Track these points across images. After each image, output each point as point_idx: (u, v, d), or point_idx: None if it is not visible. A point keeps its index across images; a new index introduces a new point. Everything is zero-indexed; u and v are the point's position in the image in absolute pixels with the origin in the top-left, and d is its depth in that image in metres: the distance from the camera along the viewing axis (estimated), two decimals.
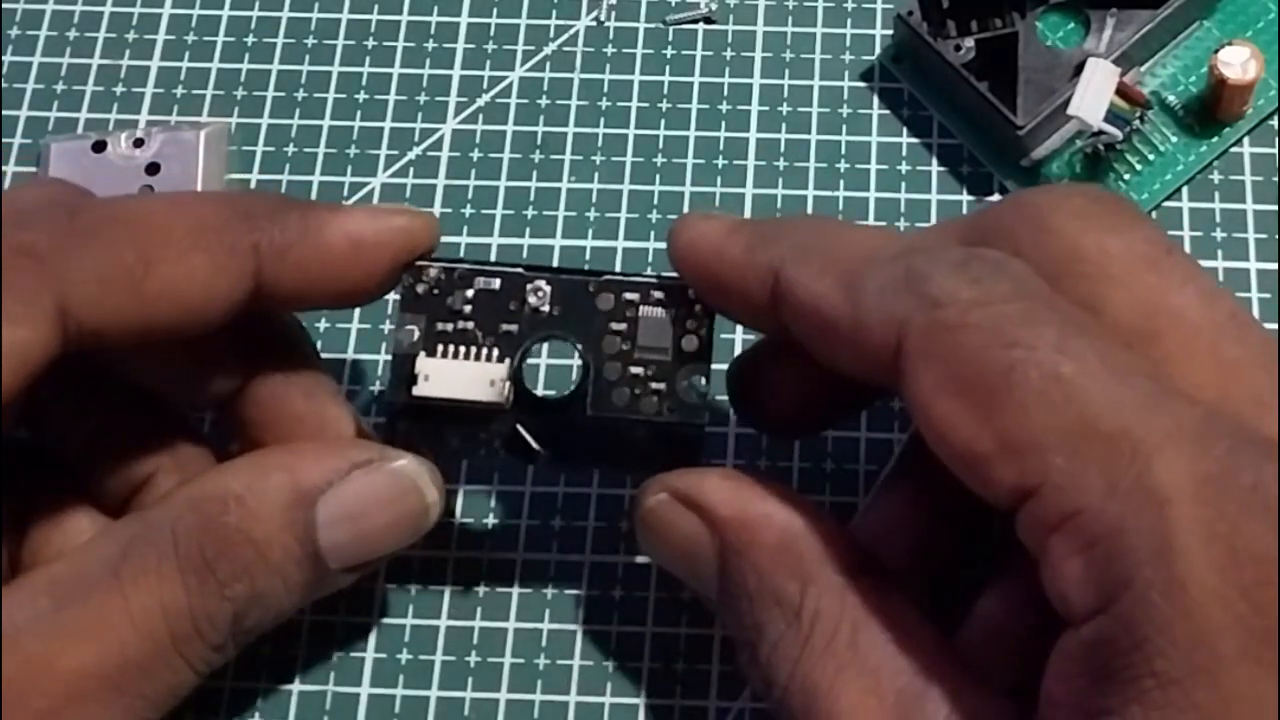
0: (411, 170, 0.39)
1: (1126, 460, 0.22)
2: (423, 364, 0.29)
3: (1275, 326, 0.36)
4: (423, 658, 0.34)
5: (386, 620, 0.34)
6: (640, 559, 0.34)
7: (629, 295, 0.30)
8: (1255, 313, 0.37)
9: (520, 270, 0.30)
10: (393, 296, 0.31)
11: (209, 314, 0.28)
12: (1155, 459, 0.22)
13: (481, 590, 0.34)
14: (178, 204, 0.29)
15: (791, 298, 0.27)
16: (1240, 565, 0.21)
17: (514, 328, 0.30)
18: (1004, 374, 0.23)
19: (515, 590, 0.34)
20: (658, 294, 0.30)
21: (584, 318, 0.30)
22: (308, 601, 0.30)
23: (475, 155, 0.40)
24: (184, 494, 0.28)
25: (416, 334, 0.30)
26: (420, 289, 0.30)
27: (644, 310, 0.30)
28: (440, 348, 0.30)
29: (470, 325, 0.30)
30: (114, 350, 0.28)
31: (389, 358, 0.30)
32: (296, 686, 0.34)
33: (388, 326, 0.30)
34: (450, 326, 0.30)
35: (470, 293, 0.30)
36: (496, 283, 0.30)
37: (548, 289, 0.30)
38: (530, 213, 0.39)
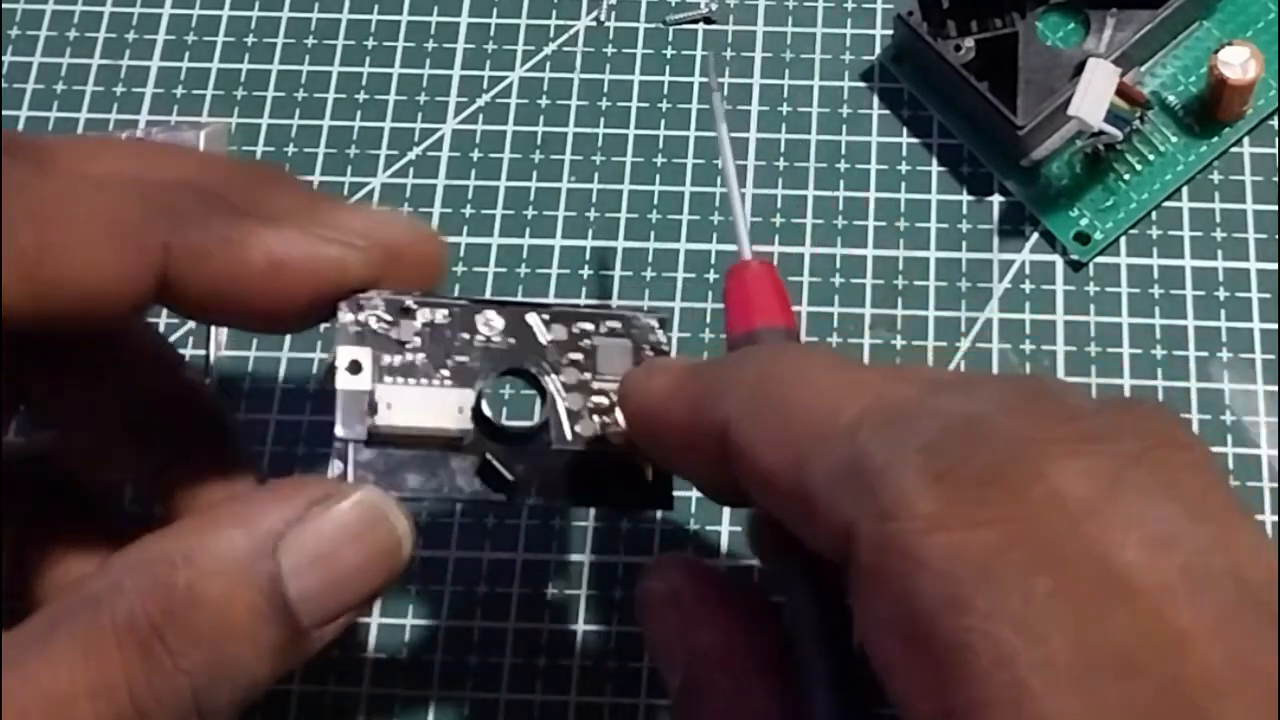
0: (411, 170, 0.39)
1: None
2: (384, 392, 0.27)
3: (1275, 327, 0.36)
4: (423, 657, 0.34)
5: (386, 620, 0.34)
6: (639, 558, 0.35)
7: (583, 325, 0.29)
8: (1255, 313, 0.37)
9: (466, 302, 0.28)
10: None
11: (106, 311, 0.26)
12: None
13: (481, 590, 0.34)
14: (94, 189, 0.26)
15: (741, 466, 0.24)
16: None
17: (466, 359, 0.28)
18: (955, 649, 0.20)
19: (515, 590, 0.34)
20: (612, 324, 0.29)
21: (538, 349, 0.29)
22: (283, 672, 0.25)
23: (475, 155, 0.40)
24: (120, 559, 0.25)
25: (365, 368, 0.27)
26: (364, 318, 0.27)
27: (599, 340, 0.29)
28: (390, 381, 0.27)
29: (421, 358, 0.28)
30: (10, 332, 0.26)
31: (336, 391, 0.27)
32: (296, 687, 0.34)
33: None
34: (398, 360, 0.28)
35: (417, 324, 0.28)
36: (444, 314, 0.28)
37: (500, 321, 0.29)
38: (530, 213, 0.39)
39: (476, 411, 0.28)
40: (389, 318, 0.28)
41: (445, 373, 0.28)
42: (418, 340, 0.28)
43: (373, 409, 0.27)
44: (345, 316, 0.27)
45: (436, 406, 0.28)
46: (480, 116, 0.40)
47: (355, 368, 0.27)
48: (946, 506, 0.20)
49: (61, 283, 0.25)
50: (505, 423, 0.28)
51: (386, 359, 0.27)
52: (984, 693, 0.19)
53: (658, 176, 0.39)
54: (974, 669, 0.20)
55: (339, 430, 0.27)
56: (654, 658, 0.26)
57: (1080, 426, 0.22)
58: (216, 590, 0.24)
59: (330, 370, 0.28)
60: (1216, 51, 0.37)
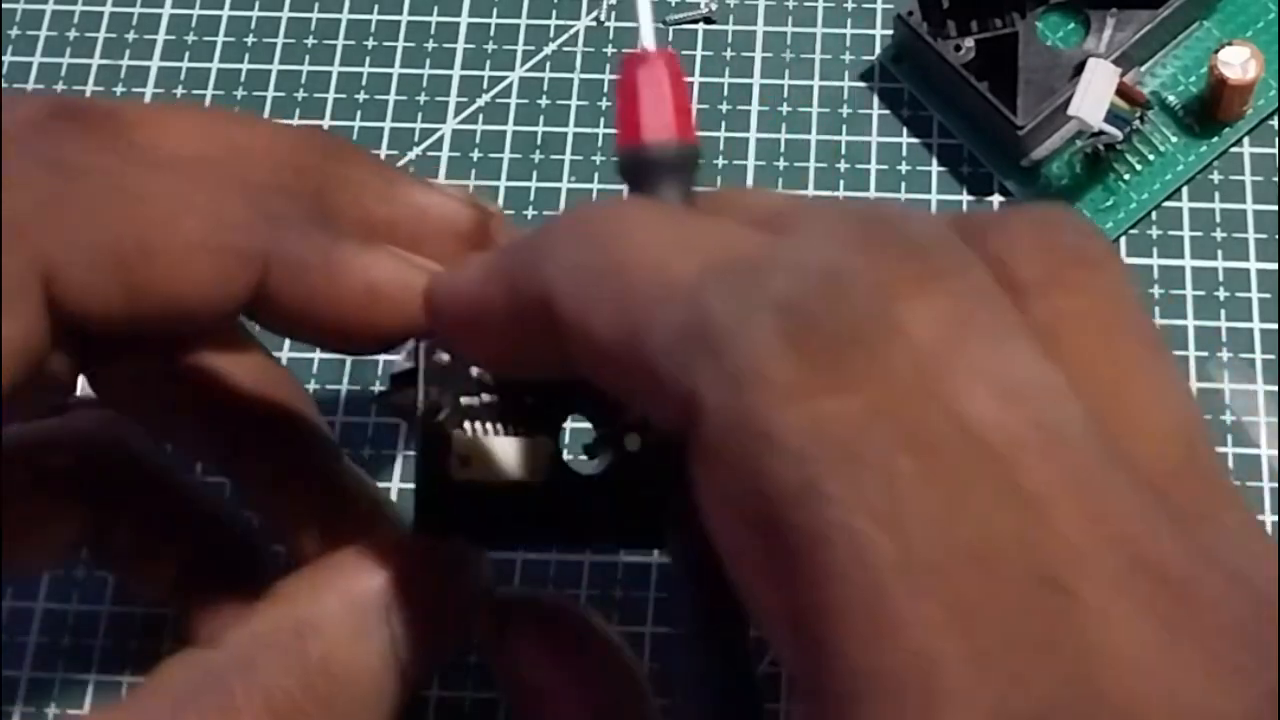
0: (411, 170, 0.39)
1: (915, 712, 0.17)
2: (462, 443, 0.26)
3: (1275, 326, 0.36)
4: None
5: None
6: (639, 558, 0.34)
7: None
8: (1255, 313, 0.37)
9: None
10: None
11: (200, 320, 0.25)
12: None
13: None
14: (194, 185, 0.25)
15: (571, 342, 0.21)
16: None
17: (535, 399, 0.27)
18: (810, 542, 0.17)
19: None
20: None
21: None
22: None
23: (475, 155, 0.40)
24: (246, 631, 0.24)
25: (444, 410, 0.26)
26: (442, 355, 0.26)
27: None
28: (468, 424, 0.26)
29: (495, 398, 0.26)
30: (95, 335, 0.25)
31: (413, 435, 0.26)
32: None
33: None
34: (475, 401, 0.26)
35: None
36: None
37: None
38: (530, 213, 0.39)
39: (556, 459, 0.27)
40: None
41: (521, 414, 0.26)
42: (492, 379, 0.26)
43: (462, 460, 0.26)
44: (423, 353, 0.26)
45: (517, 455, 0.26)
46: (480, 116, 0.40)
47: (434, 410, 0.26)
48: (804, 374, 0.18)
49: (158, 292, 0.24)
50: (580, 470, 0.27)
51: (465, 400, 0.26)
52: (838, 595, 0.17)
53: None
54: (829, 567, 0.17)
55: (419, 482, 0.26)
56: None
57: (928, 262, 0.19)
58: (345, 660, 0.24)
59: (390, 393, 0.27)
60: (1216, 51, 0.37)
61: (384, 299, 0.25)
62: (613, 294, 0.20)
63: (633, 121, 0.24)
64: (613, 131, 0.40)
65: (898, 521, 0.17)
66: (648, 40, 0.24)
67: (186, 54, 0.41)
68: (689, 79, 0.40)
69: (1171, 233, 0.38)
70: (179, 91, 0.41)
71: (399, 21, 0.42)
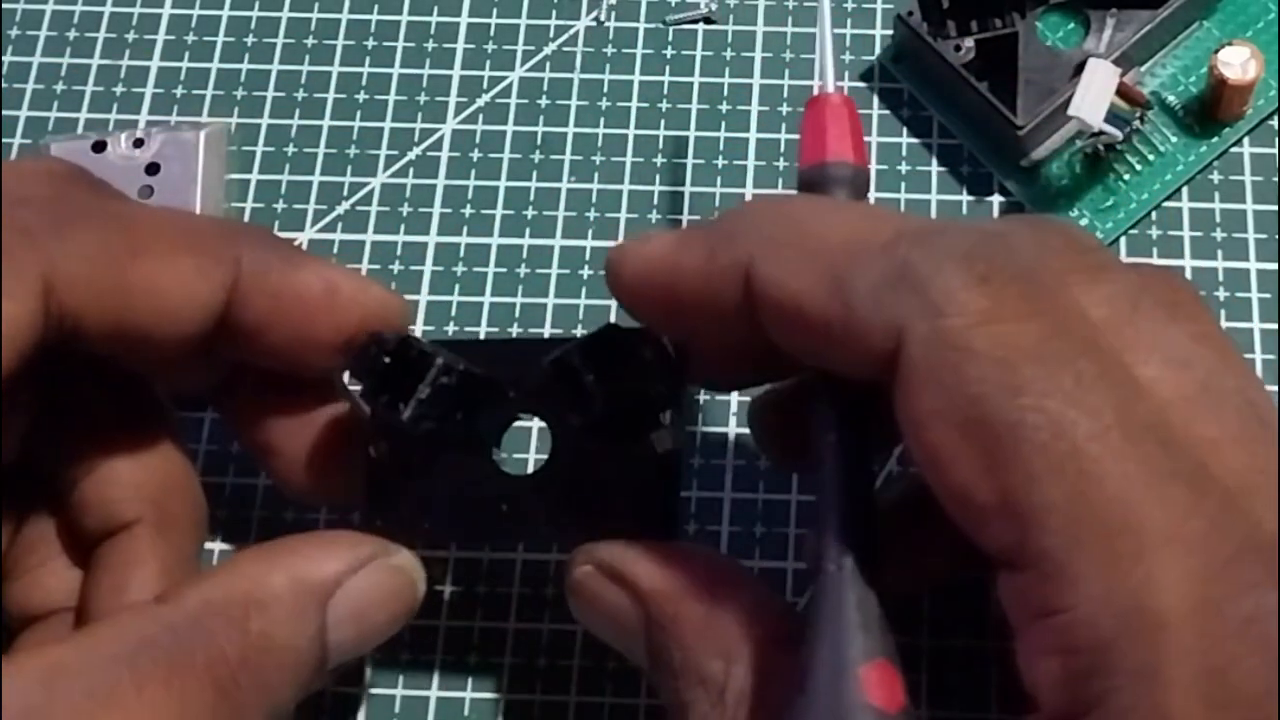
0: (411, 170, 0.39)
1: (1127, 565, 0.21)
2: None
3: (1275, 327, 0.36)
4: (422, 657, 0.34)
5: None
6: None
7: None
8: (1255, 313, 0.37)
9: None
10: None
11: (183, 321, 0.28)
12: (1155, 571, 0.21)
13: (481, 590, 0.34)
14: (169, 209, 0.29)
15: (768, 299, 0.25)
16: (1229, 706, 0.20)
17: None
18: (1011, 427, 0.22)
19: (515, 590, 0.34)
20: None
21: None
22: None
23: (475, 155, 0.40)
24: (199, 595, 0.26)
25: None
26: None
27: None
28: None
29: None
30: (89, 346, 0.27)
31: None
32: None
33: None
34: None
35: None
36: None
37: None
38: (530, 213, 0.39)
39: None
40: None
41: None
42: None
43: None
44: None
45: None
46: (480, 116, 0.40)
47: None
48: (993, 303, 0.23)
49: (147, 287, 0.27)
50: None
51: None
52: (1043, 463, 0.21)
53: (657, 177, 0.39)
54: (1033, 443, 0.21)
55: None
56: (683, 657, 0.26)
57: (1091, 258, 0.25)
58: (282, 639, 0.26)
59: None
60: (1216, 51, 0.37)
61: (342, 295, 0.29)
62: (812, 256, 0.25)
63: (818, 144, 0.29)
64: (611, 131, 0.40)
65: (1088, 402, 0.22)
66: (829, 83, 0.31)
67: (186, 54, 0.41)
68: (689, 79, 0.40)
69: (1171, 233, 0.38)
70: (179, 91, 0.41)
71: (399, 21, 0.42)
